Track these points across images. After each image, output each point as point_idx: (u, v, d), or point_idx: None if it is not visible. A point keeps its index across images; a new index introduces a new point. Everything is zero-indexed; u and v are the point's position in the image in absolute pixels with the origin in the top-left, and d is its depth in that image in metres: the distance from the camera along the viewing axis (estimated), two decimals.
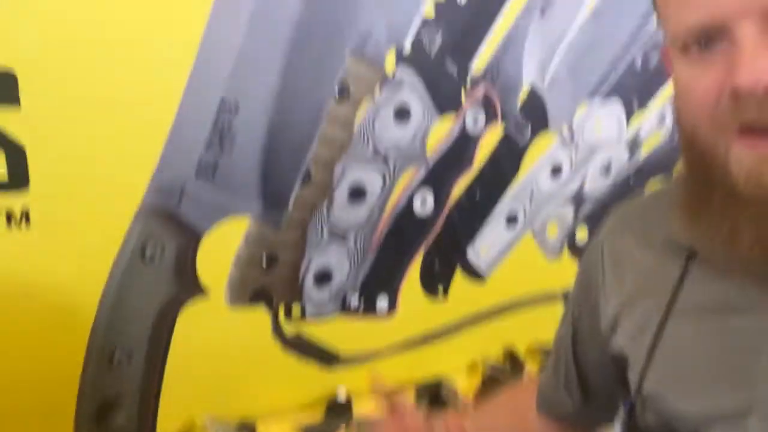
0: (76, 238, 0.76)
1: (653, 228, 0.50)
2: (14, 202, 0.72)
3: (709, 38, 0.38)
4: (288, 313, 0.95)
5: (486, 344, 1.20)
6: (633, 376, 0.50)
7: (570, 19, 1.09)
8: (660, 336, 0.47)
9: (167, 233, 0.81)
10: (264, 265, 0.90)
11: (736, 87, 0.36)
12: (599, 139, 1.21)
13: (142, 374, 0.84)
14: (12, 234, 0.72)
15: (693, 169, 0.42)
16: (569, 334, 0.60)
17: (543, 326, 1.26)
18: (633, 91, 1.21)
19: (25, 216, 0.73)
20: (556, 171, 1.18)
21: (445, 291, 1.12)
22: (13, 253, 0.73)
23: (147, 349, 0.84)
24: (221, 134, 0.81)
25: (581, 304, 0.58)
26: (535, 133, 1.12)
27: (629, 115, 1.23)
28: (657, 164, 1.30)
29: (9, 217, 0.72)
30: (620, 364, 0.52)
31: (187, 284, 0.85)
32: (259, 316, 0.93)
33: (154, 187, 0.79)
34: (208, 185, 0.82)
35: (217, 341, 0.90)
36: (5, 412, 0.76)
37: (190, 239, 0.83)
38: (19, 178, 0.71)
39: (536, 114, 1.11)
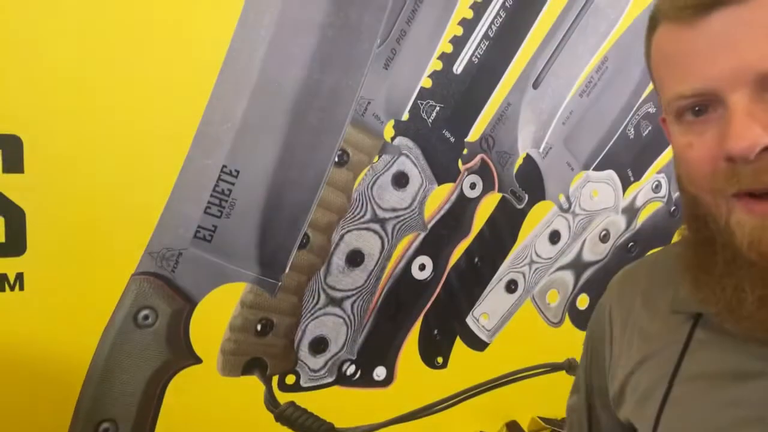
0: (68, 304, 0.75)
1: (659, 291, 0.49)
2: (10, 265, 0.71)
3: (703, 106, 0.39)
4: (282, 382, 0.92)
5: (487, 416, 1.16)
6: None
7: (563, 92, 1.12)
8: (665, 404, 0.46)
9: (161, 299, 0.80)
10: (259, 333, 0.88)
11: (729, 154, 0.37)
12: (596, 207, 1.22)
13: None
14: (7, 297, 0.71)
15: (696, 232, 0.43)
16: (583, 401, 0.58)
17: (545, 398, 1.22)
18: (627, 160, 1.24)
19: (20, 280, 0.72)
20: (554, 238, 1.18)
21: (445, 360, 1.09)
22: (5, 316, 0.72)
23: (135, 419, 0.81)
24: (220, 200, 0.82)
25: (591, 369, 0.57)
26: (532, 200, 1.13)
27: (625, 184, 1.24)
28: (654, 231, 1.31)
29: (3, 281, 0.71)
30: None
31: (179, 352, 0.83)
32: (253, 386, 0.90)
33: (149, 252, 0.79)
34: (205, 251, 0.82)
35: (208, 412, 0.86)
36: None
37: (184, 305, 0.82)
38: (17, 243, 0.71)
39: (533, 182, 1.12)
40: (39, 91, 0.71)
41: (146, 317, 0.80)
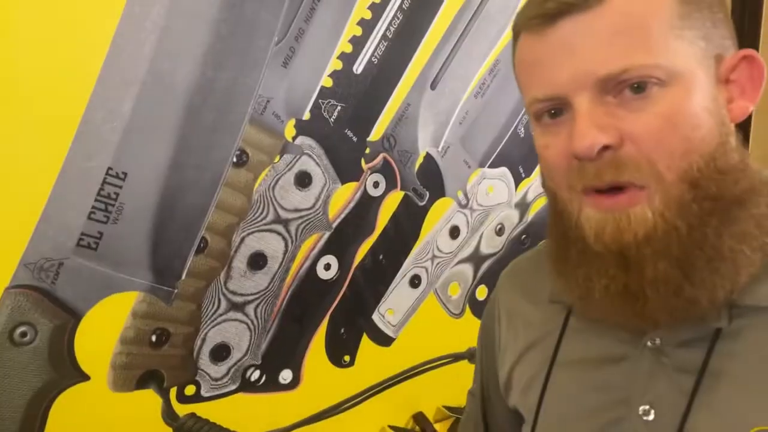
0: None
1: (540, 282, 0.53)
2: None
3: (557, 108, 0.43)
4: (181, 394, 0.88)
5: (394, 410, 1.18)
6: (529, 431, 0.51)
7: (459, 93, 1.17)
8: (545, 391, 0.50)
9: (41, 314, 0.73)
10: (154, 344, 0.84)
11: (574, 153, 0.41)
12: (492, 203, 1.29)
13: None
14: None
15: (555, 226, 0.46)
16: (478, 391, 0.61)
17: (449, 388, 1.27)
18: (519, 158, 1.31)
19: None
20: (454, 233, 1.23)
21: (352, 358, 1.10)
22: None
23: None
24: (106, 204, 0.76)
25: (484, 360, 0.60)
26: (433, 197, 1.16)
27: (517, 180, 1.32)
28: (544, 223, 1.39)
29: None
30: (518, 419, 0.53)
31: (63, 369, 0.76)
32: (149, 400, 0.85)
33: (25, 263, 0.72)
34: (90, 259, 0.76)
35: (100, 431, 0.80)
36: None
37: (67, 319, 0.75)
38: None
39: (433, 180, 1.15)
40: None
41: (24, 334, 0.72)
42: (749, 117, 0.44)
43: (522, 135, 1.30)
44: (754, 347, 0.41)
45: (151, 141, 0.78)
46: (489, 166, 1.26)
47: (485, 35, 1.19)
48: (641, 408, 0.44)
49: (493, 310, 0.59)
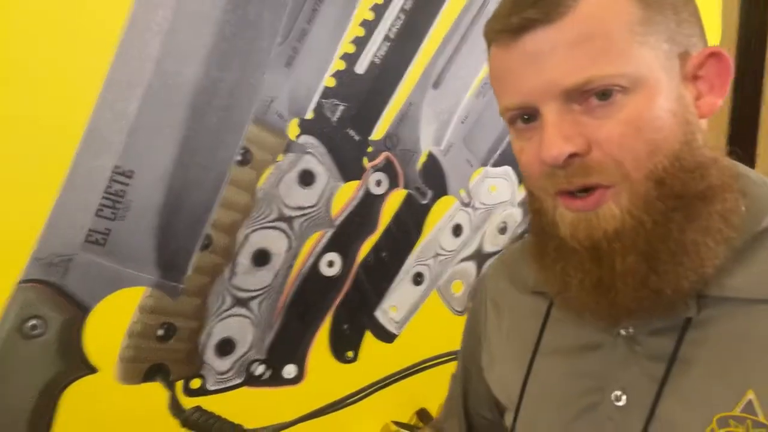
0: None
1: (525, 274, 0.54)
2: None
3: (530, 114, 0.44)
4: (187, 387, 0.90)
5: (398, 406, 1.19)
6: (509, 420, 0.53)
7: (461, 92, 1.18)
8: (528, 378, 0.52)
9: (51, 307, 0.76)
10: (160, 338, 0.86)
11: (543, 161, 0.43)
12: (494, 201, 1.30)
13: None
14: None
15: (534, 223, 0.48)
16: (460, 376, 0.62)
17: None
18: None
19: None
20: (457, 231, 1.24)
21: (355, 354, 1.11)
22: None
23: None
24: (114, 202, 0.78)
25: (468, 345, 0.61)
26: (435, 196, 1.18)
27: (520, 179, 1.33)
28: None
29: None
30: (499, 406, 0.55)
31: (72, 362, 0.79)
32: (155, 393, 0.87)
33: (36, 258, 0.74)
34: (98, 255, 0.78)
35: (108, 422, 0.83)
36: None
37: (77, 313, 0.78)
38: None
39: (436, 178, 1.17)
40: None
41: (34, 327, 0.75)
42: (756, 129, 0.45)
43: None
44: (721, 336, 0.43)
45: (157, 140, 0.81)
46: (491, 165, 1.27)
47: None
48: (614, 394, 0.46)
49: (481, 297, 0.60)
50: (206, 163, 0.85)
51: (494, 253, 1.33)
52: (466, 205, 1.24)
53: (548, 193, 0.45)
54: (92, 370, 0.80)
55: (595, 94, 0.41)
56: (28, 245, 0.74)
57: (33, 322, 0.75)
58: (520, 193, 1.34)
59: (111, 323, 0.81)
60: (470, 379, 0.62)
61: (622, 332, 0.46)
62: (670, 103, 0.42)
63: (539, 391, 0.51)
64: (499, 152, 1.27)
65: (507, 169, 1.30)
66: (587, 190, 0.43)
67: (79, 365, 0.79)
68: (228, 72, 0.85)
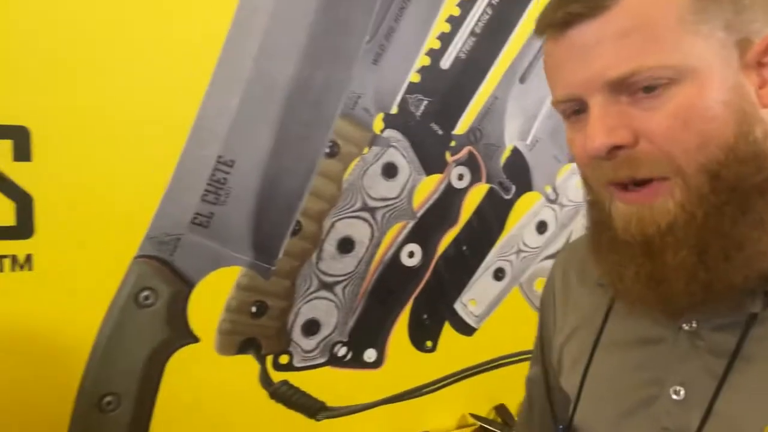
0: (74, 284, 0.80)
1: (590, 265, 0.54)
2: (20, 247, 0.77)
3: (578, 107, 0.45)
4: (276, 362, 0.97)
5: (475, 399, 1.20)
6: (570, 410, 0.52)
7: (548, 87, 1.16)
8: (588, 371, 0.52)
9: (161, 281, 0.85)
10: (253, 314, 0.93)
11: (587, 153, 0.43)
12: (583, 198, 1.26)
13: (130, 419, 0.86)
14: (16, 277, 0.76)
15: (590, 215, 0.49)
16: (541, 375, 0.62)
17: None
18: None
19: (29, 261, 0.77)
20: (541, 228, 1.22)
21: (434, 344, 1.14)
22: (15, 295, 0.77)
23: (136, 394, 0.86)
24: (216, 188, 0.87)
25: (542, 340, 0.61)
26: (519, 191, 1.17)
27: None
28: None
29: (14, 261, 0.76)
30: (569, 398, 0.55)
31: (178, 331, 0.88)
32: (248, 364, 0.95)
33: (150, 236, 0.84)
34: (202, 236, 0.87)
35: (206, 388, 0.92)
36: None
37: (182, 287, 0.87)
38: (26, 226, 0.77)
39: (520, 173, 1.16)
40: (45, 86, 0.76)
41: (147, 297, 0.85)
42: None
43: None
44: None
45: (255, 133, 0.88)
46: None
47: None
48: (673, 388, 0.45)
49: (549, 290, 0.61)
50: (298, 155, 0.92)
51: None
52: (552, 201, 1.22)
53: (601, 185, 0.45)
54: (195, 339, 0.89)
55: (642, 87, 0.41)
56: (143, 225, 0.84)
57: (146, 293, 0.85)
58: None
59: (211, 298, 0.90)
60: (551, 375, 0.62)
61: (685, 327, 0.45)
62: (724, 93, 0.41)
63: (599, 382, 0.51)
64: None
65: None
66: (641, 183, 0.43)
67: (183, 334, 0.89)
68: (319, 70, 0.90)
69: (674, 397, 0.45)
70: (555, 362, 0.58)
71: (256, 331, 0.94)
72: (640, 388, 0.47)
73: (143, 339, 0.86)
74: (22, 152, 0.75)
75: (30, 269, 0.78)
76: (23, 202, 0.76)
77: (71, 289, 0.80)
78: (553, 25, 0.44)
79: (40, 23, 0.74)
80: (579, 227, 1.27)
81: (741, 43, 0.42)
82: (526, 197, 1.18)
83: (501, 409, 1.22)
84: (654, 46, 0.40)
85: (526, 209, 1.19)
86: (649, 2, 0.41)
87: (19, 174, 0.76)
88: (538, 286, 1.26)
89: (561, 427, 0.54)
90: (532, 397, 0.64)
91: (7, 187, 0.75)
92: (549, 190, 1.22)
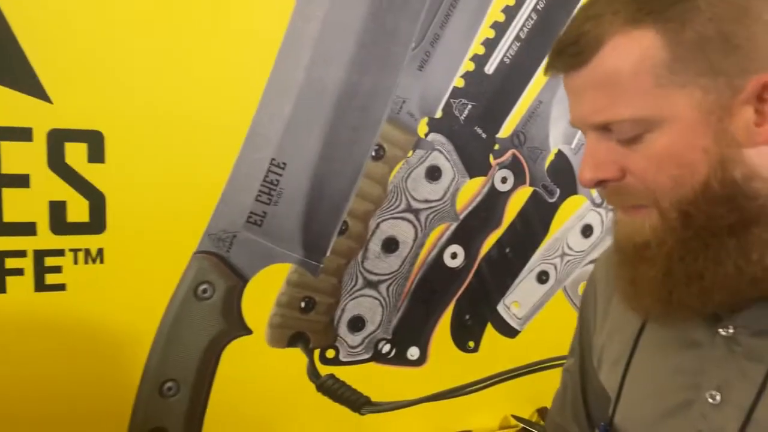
0: (140, 276, 0.87)
1: None
2: (93, 242, 0.84)
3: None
4: (323, 356, 1.02)
5: (518, 401, 1.21)
6: (610, 410, 0.54)
7: None
8: (627, 371, 0.53)
9: (218, 275, 0.91)
10: (302, 309, 0.98)
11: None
12: None
13: (188, 404, 0.92)
14: (89, 269, 0.84)
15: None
16: (577, 367, 0.63)
17: None
18: None
19: (101, 255, 0.84)
20: (587, 231, 1.22)
21: (476, 344, 1.15)
22: (88, 285, 0.84)
23: (194, 381, 0.92)
24: (269, 189, 0.92)
25: (581, 335, 0.62)
26: (564, 194, 1.17)
27: None
28: None
29: (87, 254, 0.84)
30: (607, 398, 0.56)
31: (232, 323, 0.94)
32: (296, 357, 1.00)
33: (209, 233, 0.90)
34: (256, 234, 0.92)
35: (257, 378, 0.97)
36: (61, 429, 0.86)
37: (238, 282, 0.92)
38: (98, 222, 0.84)
39: (565, 177, 1.16)
40: (118, 93, 0.83)
41: (205, 291, 0.91)
42: None
43: None
44: None
45: (306, 136, 0.93)
46: None
47: None
48: (709, 392, 0.46)
49: (592, 288, 0.62)
50: (345, 158, 0.96)
51: None
52: (598, 205, 1.22)
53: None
54: (248, 331, 0.95)
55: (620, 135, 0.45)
56: (203, 223, 0.90)
57: (204, 286, 0.91)
58: None
59: (264, 293, 0.95)
60: (586, 372, 0.63)
61: (722, 332, 0.46)
62: (702, 139, 0.42)
63: (638, 383, 0.52)
64: None
65: None
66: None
67: (237, 326, 0.94)
68: (366, 76, 0.94)
69: (710, 401, 0.46)
70: (595, 360, 0.59)
71: (305, 326, 0.99)
72: (678, 391, 0.48)
73: (201, 330, 0.92)
74: (96, 154, 0.83)
75: (101, 262, 0.85)
76: (96, 201, 0.83)
77: (137, 281, 0.87)
78: (552, 69, 0.48)
79: (111, 38, 0.81)
80: None
81: (734, 83, 0.42)
82: (571, 200, 1.18)
83: (544, 412, 1.22)
84: (624, 99, 0.43)
85: (571, 212, 1.19)
86: (621, 59, 0.43)
87: (93, 174, 0.83)
88: (583, 290, 1.25)
89: (603, 424, 0.55)
90: (566, 387, 0.66)
91: (82, 187, 0.83)
92: (595, 193, 1.21)
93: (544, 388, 1.24)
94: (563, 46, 0.45)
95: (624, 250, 0.47)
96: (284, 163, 0.92)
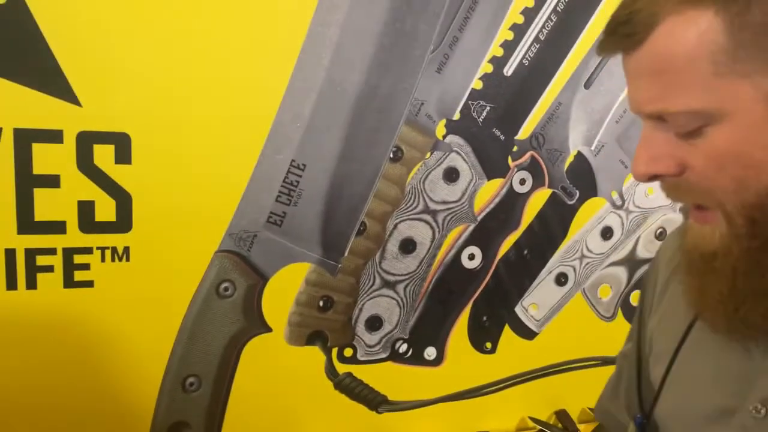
0: (164, 274, 0.89)
1: None
2: (119, 240, 0.87)
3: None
4: (341, 354, 1.03)
5: (535, 403, 1.21)
6: (651, 403, 0.52)
7: (616, 90, 1.15)
8: (672, 366, 0.51)
9: (239, 274, 0.93)
10: (321, 308, 1.00)
11: (633, 177, 0.43)
12: (652, 205, 1.24)
13: (209, 400, 0.94)
14: (115, 267, 0.87)
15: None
16: (634, 352, 0.60)
17: (595, 390, 1.24)
18: None
19: (127, 253, 0.87)
20: (606, 234, 1.21)
21: (494, 346, 1.16)
22: (115, 283, 0.87)
23: (215, 377, 0.94)
24: (289, 190, 0.94)
25: (641, 318, 0.60)
26: (583, 196, 1.17)
27: None
28: None
29: (114, 252, 0.86)
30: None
31: (253, 321, 0.96)
32: (315, 355, 1.01)
33: (230, 233, 0.92)
34: (276, 234, 0.94)
35: (276, 375, 0.99)
36: (83, 426, 0.88)
37: (258, 280, 0.95)
38: (125, 221, 0.87)
39: (584, 179, 1.16)
40: (144, 97, 0.85)
41: (226, 289, 0.93)
42: None
43: None
44: None
45: (325, 138, 0.94)
46: None
47: None
48: (754, 405, 0.44)
49: (655, 268, 0.58)
50: (364, 159, 0.97)
51: (649, 260, 1.27)
52: (619, 207, 1.21)
53: None
54: (268, 329, 0.97)
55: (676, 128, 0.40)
56: (224, 223, 0.92)
57: (225, 284, 0.93)
58: None
59: (283, 291, 0.97)
60: (644, 358, 0.59)
61: None
62: (767, 137, 0.38)
63: (682, 381, 0.50)
64: None
65: None
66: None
67: (257, 324, 0.96)
68: (385, 79, 0.96)
69: (754, 413, 0.44)
70: (647, 343, 0.57)
71: (323, 324, 1.00)
72: (722, 396, 0.47)
73: (222, 327, 0.94)
74: (124, 156, 0.85)
75: (127, 260, 0.87)
76: (123, 201, 0.86)
77: (161, 279, 0.89)
78: (604, 50, 0.43)
79: (138, 44, 0.84)
80: (648, 234, 1.25)
81: None
82: (591, 202, 1.18)
83: (561, 415, 1.22)
84: (680, 89, 0.39)
85: (591, 214, 1.19)
86: (678, 43, 0.38)
87: (120, 175, 0.86)
88: (602, 292, 1.24)
89: (638, 416, 0.54)
90: (621, 374, 0.63)
91: (110, 187, 0.86)
92: (615, 195, 1.21)
93: (562, 391, 1.24)
94: (615, 24, 0.41)
95: (692, 259, 0.44)
96: (304, 165, 0.94)
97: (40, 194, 0.82)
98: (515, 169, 1.10)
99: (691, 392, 0.49)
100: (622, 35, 0.40)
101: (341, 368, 1.03)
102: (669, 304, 0.55)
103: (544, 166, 1.12)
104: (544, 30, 1.07)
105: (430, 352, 1.10)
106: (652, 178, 0.42)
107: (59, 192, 0.83)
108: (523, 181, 1.11)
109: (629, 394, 0.60)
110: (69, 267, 0.85)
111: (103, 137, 0.84)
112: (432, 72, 1.00)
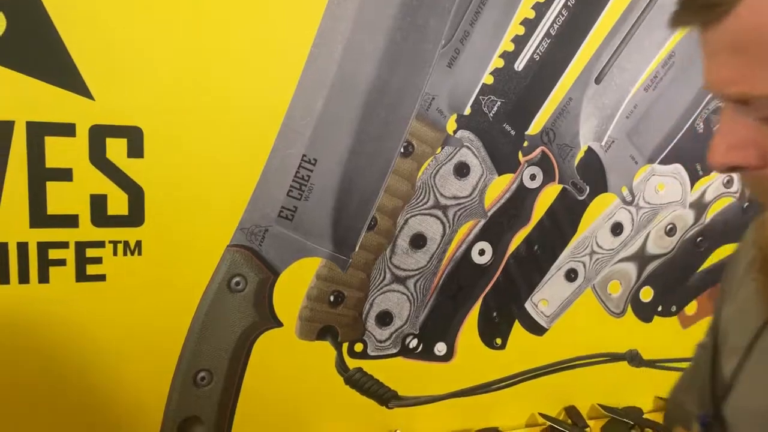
0: (176, 268, 0.89)
1: None
2: (131, 234, 0.87)
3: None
4: (351, 349, 1.03)
5: (545, 399, 1.20)
6: (720, 400, 0.50)
7: (627, 86, 1.15)
8: (744, 364, 0.48)
9: (250, 268, 0.93)
10: (331, 303, 1.00)
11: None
12: (662, 201, 1.23)
13: (220, 394, 0.94)
14: (128, 260, 0.87)
15: None
16: (710, 344, 0.57)
17: (605, 386, 1.25)
18: (695, 155, 1.24)
19: (139, 247, 0.87)
20: (616, 229, 1.21)
21: (504, 341, 1.15)
22: (127, 276, 0.87)
23: (226, 371, 0.94)
24: (300, 184, 0.94)
25: (720, 306, 0.57)
26: (594, 192, 1.16)
27: (693, 178, 1.24)
28: (726, 226, 1.29)
29: (126, 246, 0.87)
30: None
31: (264, 315, 0.96)
32: (325, 350, 1.01)
33: (241, 227, 0.92)
34: (287, 228, 0.94)
35: (287, 369, 0.99)
36: (95, 420, 0.89)
37: (269, 275, 0.95)
38: (137, 215, 0.87)
39: (595, 174, 1.16)
40: (156, 91, 0.85)
41: (238, 283, 0.93)
42: None
43: (700, 130, 1.23)
44: None
45: (336, 133, 0.94)
46: (659, 162, 1.21)
47: (659, 27, 1.15)
48: None
49: (738, 256, 0.54)
50: (375, 154, 0.97)
51: (659, 256, 1.26)
52: (629, 203, 1.21)
53: None
54: (279, 323, 0.97)
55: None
56: (236, 217, 0.92)
57: (237, 279, 0.93)
58: (693, 194, 1.25)
59: (294, 286, 0.97)
60: (720, 352, 0.55)
61: None
62: None
63: (753, 381, 0.47)
64: (669, 149, 1.21)
65: (677, 167, 1.23)
66: None
67: (269, 318, 0.96)
68: (396, 73, 0.95)
69: None
70: (721, 333, 0.54)
71: (334, 319, 1.00)
72: None
73: (233, 321, 0.94)
74: (136, 150, 0.85)
75: (139, 254, 0.88)
76: (135, 194, 0.86)
77: (173, 273, 0.89)
78: (678, 21, 0.39)
79: (151, 38, 0.84)
80: (658, 230, 1.24)
81: None
82: (601, 198, 1.18)
83: (571, 411, 1.22)
84: (766, 69, 0.34)
85: (601, 210, 1.18)
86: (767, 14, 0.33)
87: (133, 169, 0.86)
88: (612, 288, 1.24)
89: (702, 414, 0.50)
90: (698, 365, 0.59)
91: (122, 181, 0.86)
92: (625, 191, 1.20)
93: (573, 387, 1.24)
94: None
95: (766, 256, 0.41)
96: (315, 159, 0.94)
97: (52, 188, 0.82)
98: (526, 165, 1.09)
99: (762, 391, 0.47)
100: (702, 5, 0.35)
101: (352, 363, 1.03)
102: (744, 298, 0.51)
103: (554, 162, 1.12)
104: (555, 25, 1.07)
105: (441, 348, 1.10)
106: (730, 169, 0.38)
107: (72, 185, 0.83)
108: (533, 177, 1.10)
109: (702, 391, 0.56)
110: (81, 261, 0.85)
111: (116, 131, 0.84)
112: (443, 67, 0.99)
